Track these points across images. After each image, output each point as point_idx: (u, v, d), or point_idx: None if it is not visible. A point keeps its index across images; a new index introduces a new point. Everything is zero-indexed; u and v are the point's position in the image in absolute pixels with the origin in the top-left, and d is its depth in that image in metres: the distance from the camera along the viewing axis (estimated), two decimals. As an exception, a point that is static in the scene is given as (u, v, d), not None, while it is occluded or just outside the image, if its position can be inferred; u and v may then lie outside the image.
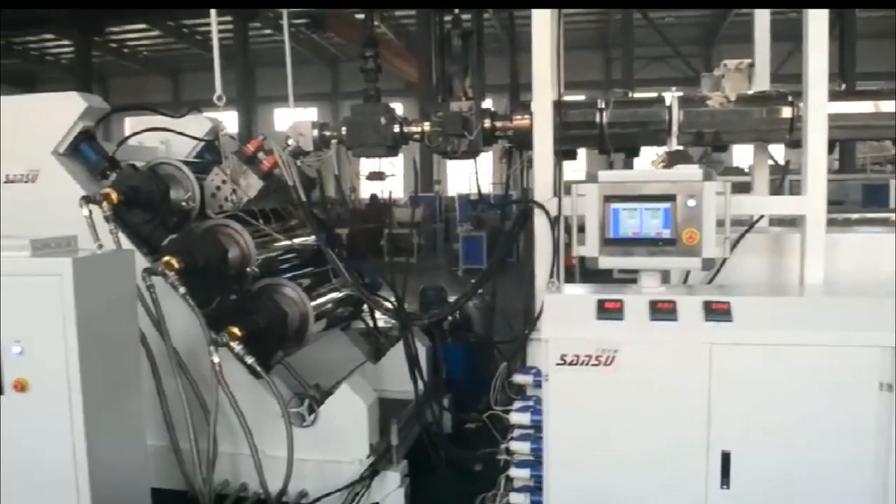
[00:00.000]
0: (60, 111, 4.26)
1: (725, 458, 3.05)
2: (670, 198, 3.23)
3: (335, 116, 28.90)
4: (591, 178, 3.32)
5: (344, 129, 4.28)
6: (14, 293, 2.96)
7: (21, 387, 2.98)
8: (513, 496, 3.50)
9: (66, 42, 28.79)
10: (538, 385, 3.41)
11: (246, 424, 3.76)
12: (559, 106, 3.78)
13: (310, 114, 27.26)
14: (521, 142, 4.12)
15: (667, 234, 3.25)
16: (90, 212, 3.74)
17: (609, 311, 3.17)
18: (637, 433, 3.13)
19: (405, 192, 26.72)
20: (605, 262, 3.34)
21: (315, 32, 27.77)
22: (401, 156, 4.59)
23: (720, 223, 3.27)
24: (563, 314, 3.23)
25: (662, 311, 3.13)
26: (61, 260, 2.94)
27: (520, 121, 4.08)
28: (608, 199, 3.29)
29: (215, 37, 4.97)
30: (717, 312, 3.09)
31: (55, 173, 4.20)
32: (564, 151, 3.86)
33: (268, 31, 27.10)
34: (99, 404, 3.05)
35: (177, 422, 3.82)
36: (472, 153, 4.16)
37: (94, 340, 3.02)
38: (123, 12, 24.12)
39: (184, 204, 4.27)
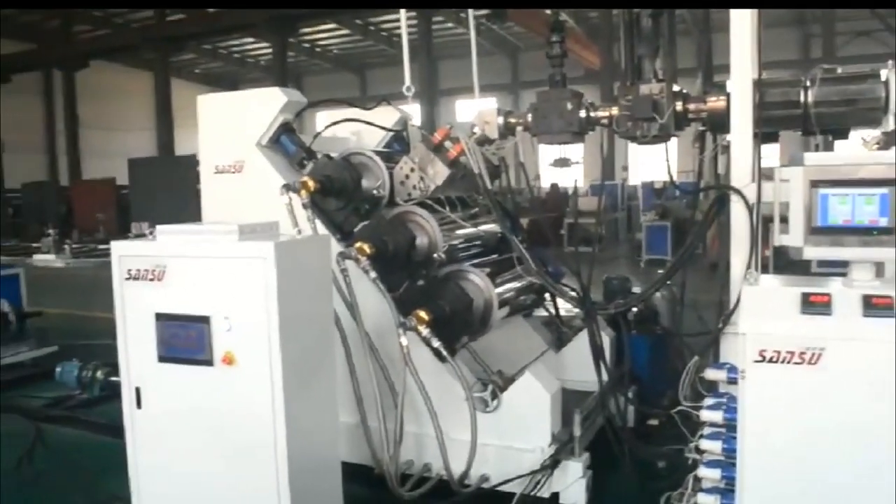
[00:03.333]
0: (263, 106, 4.55)
1: (950, 472, 2.74)
2: (888, 182, 2.92)
3: (516, 106, 29.01)
4: (796, 160, 3.07)
5: (529, 115, 4.26)
6: (224, 274, 3.20)
7: (228, 360, 3.20)
8: (701, 496, 3.35)
9: (264, 44, 30.88)
10: (732, 382, 3.24)
11: (431, 406, 3.84)
12: (759, 85, 3.55)
13: (491, 104, 27.53)
14: (716, 125, 3.91)
15: (884, 222, 2.93)
16: (290, 199, 3.98)
17: (815, 305, 2.93)
18: (845, 439, 2.87)
19: (586, 179, 26.35)
20: (811, 253, 3.08)
21: (496, 24, 28.00)
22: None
23: (947, 211, 2.92)
24: (763, 307, 3.01)
25: (878, 306, 2.84)
26: (265, 244, 3.13)
27: (714, 102, 3.87)
28: (815, 183, 3.02)
29: (404, 33, 5.13)
30: (942, 310, 2.77)
31: (258, 164, 4.51)
32: (764, 134, 3.61)
33: (449, 25, 27.65)
34: (297, 380, 3.22)
35: (366, 400, 3.97)
36: (662, 137, 3.99)
37: (294, 320, 3.19)
38: (316, 12, 25.54)
39: (375, 192, 4.43)
